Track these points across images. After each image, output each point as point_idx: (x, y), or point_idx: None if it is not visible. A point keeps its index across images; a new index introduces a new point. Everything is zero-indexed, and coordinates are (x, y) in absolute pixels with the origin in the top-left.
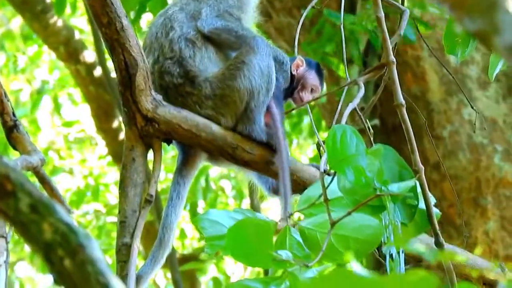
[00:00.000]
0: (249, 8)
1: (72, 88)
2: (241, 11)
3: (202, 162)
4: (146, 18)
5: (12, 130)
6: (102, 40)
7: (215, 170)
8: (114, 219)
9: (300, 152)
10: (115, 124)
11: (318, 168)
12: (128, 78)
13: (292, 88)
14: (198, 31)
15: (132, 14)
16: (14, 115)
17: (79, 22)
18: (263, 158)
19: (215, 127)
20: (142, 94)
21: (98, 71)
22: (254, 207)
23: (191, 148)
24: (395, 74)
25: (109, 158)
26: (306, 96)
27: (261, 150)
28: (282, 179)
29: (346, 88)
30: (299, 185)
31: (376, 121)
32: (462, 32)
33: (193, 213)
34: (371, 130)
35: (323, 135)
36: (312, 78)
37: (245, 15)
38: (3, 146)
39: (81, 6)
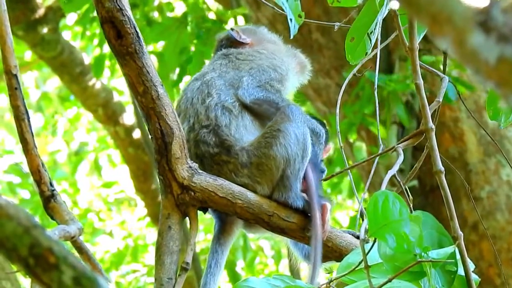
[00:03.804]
0: (288, 84)
1: (110, 150)
2: (281, 84)
3: (239, 230)
4: (186, 81)
5: (49, 200)
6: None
7: None
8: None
9: (340, 211)
10: (154, 185)
11: (354, 235)
12: (164, 146)
13: None
14: (236, 99)
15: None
16: (51, 184)
17: (118, 83)
18: (299, 225)
19: (251, 195)
20: (178, 162)
21: (137, 133)
22: (293, 269)
23: (228, 216)
24: (434, 141)
25: (148, 219)
26: None
27: (298, 217)
28: (313, 247)
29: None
30: (335, 252)
31: (414, 182)
32: None
33: (231, 272)
34: (411, 197)
35: (362, 195)
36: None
37: (284, 89)
38: (41, 210)
39: (119, 68)
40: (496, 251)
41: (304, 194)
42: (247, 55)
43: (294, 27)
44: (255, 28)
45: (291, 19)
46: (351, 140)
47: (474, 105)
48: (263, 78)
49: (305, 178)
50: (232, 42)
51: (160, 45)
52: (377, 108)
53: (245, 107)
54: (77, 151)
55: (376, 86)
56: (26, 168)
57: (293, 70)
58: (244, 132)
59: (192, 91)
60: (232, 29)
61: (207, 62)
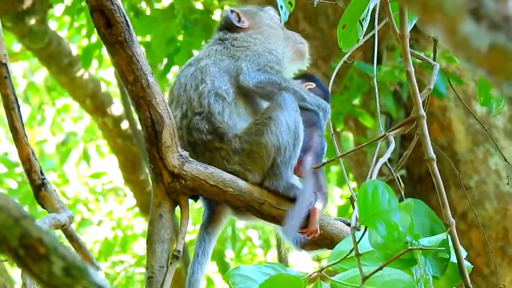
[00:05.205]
0: (285, 65)
1: (99, 140)
2: (279, 65)
3: (228, 219)
4: (174, 71)
5: (40, 189)
6: (128, 97)
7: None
8: (143, 269)
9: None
10: (142, 175)
11: (345, 222)
12: (155, 135)
13: None
14: (230, 86)
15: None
16: (42, 173)
17: (106, 74)
18: None
19: (241, 183)
20: (169, 150)
21: (125, 124)
22: (282, 258)
23: (217, 205)
24: (425, 129)
25: (137, 209)
26: None
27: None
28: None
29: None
30: (326, 240)
31: (403, 172)
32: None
33: (220, 263)
34: (402, 185)
35: (350, 185)
36: None
37: (283, 70)
38: (30, 200)
39: (107, 58)
40: (485, 240)
41: (294, 182)
42: (241, 41)
43: (284, 14)
44: (257, 10)
45: (281, 6)
46: (338, 130)
47: (462, 94)
48: (261, 62)
49: (302, 164)
50: (229, 24)
51: (147, 35)
52: (377, 94)
53: (239, 93)
54: (64, 141)
55: (375, 74)
56: (14, 157)
57: (288, 55)
58: (238, 119)
59: (186, 77)
60: (232, 11)
61: (201, 47)
